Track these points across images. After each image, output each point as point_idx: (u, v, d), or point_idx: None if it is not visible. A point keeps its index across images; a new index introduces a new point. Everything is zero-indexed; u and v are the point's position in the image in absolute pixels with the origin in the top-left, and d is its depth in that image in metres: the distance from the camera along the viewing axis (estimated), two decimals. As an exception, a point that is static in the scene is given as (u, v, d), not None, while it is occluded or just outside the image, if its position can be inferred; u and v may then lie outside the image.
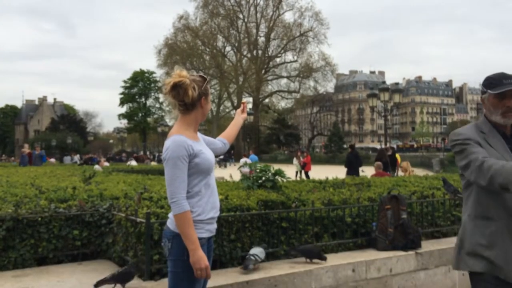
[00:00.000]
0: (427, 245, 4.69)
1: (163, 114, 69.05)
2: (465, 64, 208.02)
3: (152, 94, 71.11)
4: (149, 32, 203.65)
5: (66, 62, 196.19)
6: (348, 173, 13.95)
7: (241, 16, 60.15)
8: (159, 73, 63.17)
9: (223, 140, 2.97)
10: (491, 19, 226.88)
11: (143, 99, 70.85)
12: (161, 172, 13.88)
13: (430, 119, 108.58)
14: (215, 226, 2.62)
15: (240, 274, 3.60)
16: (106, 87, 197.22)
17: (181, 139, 2.47)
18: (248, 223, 3.96)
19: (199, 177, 2.52)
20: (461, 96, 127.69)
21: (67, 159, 29.87)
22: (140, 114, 69.33)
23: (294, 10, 58.94)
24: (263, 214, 4.05)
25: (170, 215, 2.55)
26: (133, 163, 21.27)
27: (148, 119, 70.38)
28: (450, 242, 4.89)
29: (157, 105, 71.07)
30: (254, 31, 60.42)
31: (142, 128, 68.32)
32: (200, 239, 2.44)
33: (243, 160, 17.19)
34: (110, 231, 4.15)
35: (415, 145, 75.97)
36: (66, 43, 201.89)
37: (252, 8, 59.97)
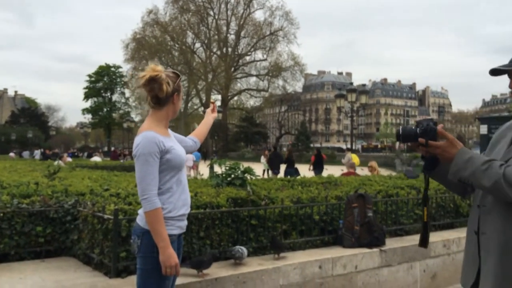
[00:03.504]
0: (391, 243, 4.82)
1: (129, 109, 67.85)
2: (427, 67, 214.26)
3: (118, 89, 69.63)
4: (116, 25, 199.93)
5: (26, 54, 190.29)
6: (271, 169, 17.61)
7: (211, 13, 59.83)
8: (125, 67, 62.02)
9: (194, 138, 2.97)
10: (450, 24, 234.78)
11: (108, 94, 69.28)
12: (125, 169, 13.67)
13: (394, 120, 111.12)
14: (185, 223, 2.62)
15: (209, 271, 3.59)
16: (68, 80, 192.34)
17: (152, 135, 2.45)
18: (218, 221, 3.96)
19: (171, 173, 2.50)
20: (424, 99, 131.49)
21: (26, 153, 28.92)
22: (105, 109, 67.75)
23: (264, 9, 59.11)
24: (233, 212, 4.07)
25: (140, 211, 2.53)
26: (97, 159, 20.81)
27: (114, 114, 68.79)
28: (412, 240, 5.05)
29: (123, 100, 69.69)
30: (224, 28, 60.28)
31: (107, 123, 66.79)
32: (170, 236, 2.43)
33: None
34: (75, 228, 4.06)
35: (379, 146, 77.63)
36: (26, 33, 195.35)
37: (222, 5, 59.79)
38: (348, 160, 16.74)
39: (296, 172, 17.13)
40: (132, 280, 3.34)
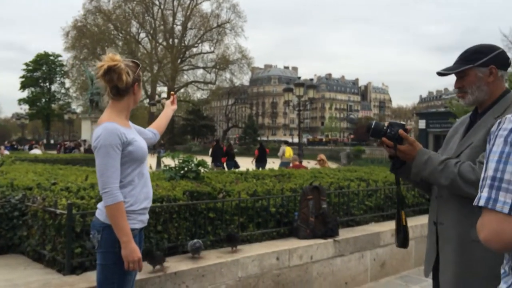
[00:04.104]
0: (343, 233, 4.97)
1: (69, 100, 64.94)
2: (370, 64, 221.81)
3: (58, 78, 66.43)
4: (56, 12, 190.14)
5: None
6: (213, 161, 17.69)
7: (157, 2, 58.34)
8: (66, 56, 59.34)
9: (154, 130, 2.92)
10: (392, 22, 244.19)
11: (47, 84, 65.94)
12: (69, 162, 13.12)
13: (338, 114, 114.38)
14: (147, 216, 2.57)
15: (167, 265, 3.54)
16: (4, 69, 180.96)
17: (114, 126, 2.38)
18: (175, 214, 3.90)
19: (132, 166, 2.44)
20: (366, 94, 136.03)
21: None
22: (44, 100, 64.47)
23: (211, 1, 58.67)
24: (191, 205, 4.02)
25: (100, 205, 2.44)
26: (37, 151, 19.81)
27: (53, 105, 65.74)
28: (363, 230, 5.25)
29: (63, 91, 66.61)
30: (171, 19, 59.06)
31: (46, 114, 63.67)
32: (132, 230, 2.37)
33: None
34: (24, 223, 3.86)
35: (324, 139, 79.65)
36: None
37: (168, -5, 58.54)
38: (282, 152, 18.06)
39: (236, 165, 17.72)
40: (88, 276, 3.24)
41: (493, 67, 2.11)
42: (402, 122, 2.15)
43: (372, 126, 2.14)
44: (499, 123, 1.28)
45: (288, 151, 18.67)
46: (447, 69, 2.19)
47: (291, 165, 11.58)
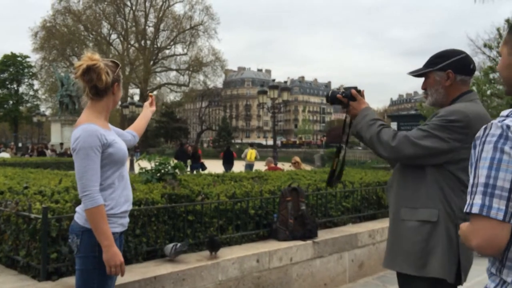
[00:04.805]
0: (322, 235, 4.99)
1: (38, 102, 63.23)
2: (341, 67, 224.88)
3: (26, 80, 64.52)
4: (23, 12, 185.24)
5: None
6: None
7: (128, 3, 57.52)
8: (34, 57, 57.72)
9: (133, 132, 2.87)
10: (363, 26, 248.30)
11: (14, 86, 64.02)
12: (39, 165, 12.76)
13: (311, 117, 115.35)
14: (127, 220, 2.52)
15: (146, 269, 3.48)
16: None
17: (93, 128, 2.32)
18: (154, 217, 3.83)
19: (112, 168, 2.39)
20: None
21: None
22: (11, 102, 62.55)
23: (184, 3, 58.20)
24: (170, 208, 3.96)
25: (79, 209, 2.38)
26: (5, 155, 19.20)
27: (21, 107, 63.90)
28: (341, 231, 5.29)
29: (31, 93, 64.78)
30: (143, 20, 58.31)
31: (13, 117, 61.83)
32: (112, 234, 2.32)
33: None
34: (-5, 229, 3.71)
35: (298, 142, 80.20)
36: None
37: (140, -4, 57.77)
38: (245, 155, 19.07)
39: (202, 167, 18.00)
40: (64, 282, 3.15)
41: (450, 71, 2.25)
42: (355, 86, 2.44)
43: (329, 95, 2.50)
44: (485, 128, 1.29)
45: (250, 154, 19.61)
46: (412, 71, 2.38)
47: (266, 167, 11.58)
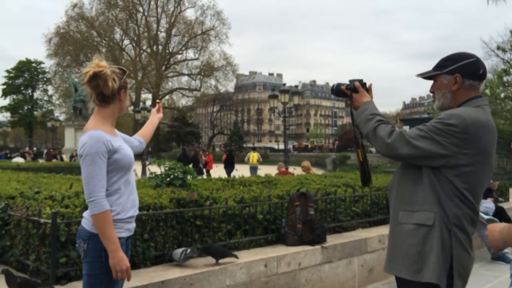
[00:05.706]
0: (331, 239, 4.97)
1: (52, 108, 64.12)
2: (353, 70, 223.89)
3: (40, 86, 65.56)
4: (37, 19, 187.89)
5: None
6: None
7: (140, 9, 58.02)
8: (48, 63, 58.57)
9: (140, 138, 2.89)
10: (374, 29, 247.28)
11: (29, 91, 65.04)
12: (52, 170, 12.91)
13: (323, 121, 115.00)
14: (134, 225, 2.54)
15: (154, 274, 3.50)
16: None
17: (100, 134, 2.34)
18: (162, 222, 3.86)
19: (119, 174, 2.41)
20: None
21: None
22: (26, 107, 63.52)
23: (196, 8, 58.69)
24: (178, 213, 3.98)
25: (86, 214, 2.41)
26: (20, 160, 19.48)
27: (35, 112, 64.83)
28: (351, 236, 5.26)
29: (46, 98, 65.76)
30: (155, 25, 58.76)
31: (28, 122, 62.74)
32: (119, 239, 2.33)
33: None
34: (7, 233, 3.77)
35: (309, 146, 79.95)
36: None
37: (152, 2, 58.13)
38: (247, 158, 19.56)
39: (200, 172, 18.48)
40: (73, 287, 3.18)
41: (458, 75, 2.19)
42: (361, 79, 2.42)
43: (334, 88, 2.48)
44: None
45: (252, 157, 20.18)
46: (420, 73, 2.34)
47: (277, 171, 11.57)
